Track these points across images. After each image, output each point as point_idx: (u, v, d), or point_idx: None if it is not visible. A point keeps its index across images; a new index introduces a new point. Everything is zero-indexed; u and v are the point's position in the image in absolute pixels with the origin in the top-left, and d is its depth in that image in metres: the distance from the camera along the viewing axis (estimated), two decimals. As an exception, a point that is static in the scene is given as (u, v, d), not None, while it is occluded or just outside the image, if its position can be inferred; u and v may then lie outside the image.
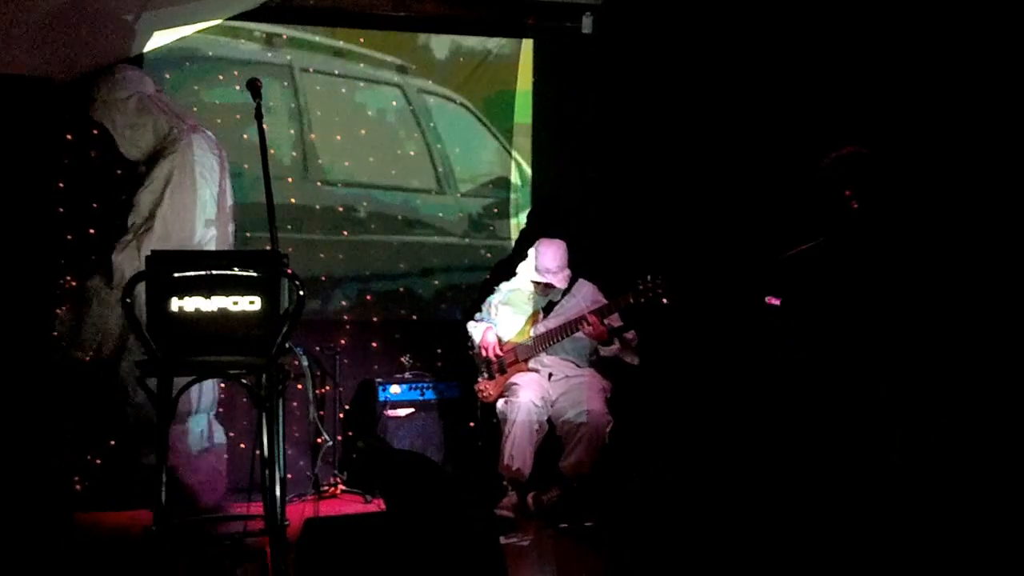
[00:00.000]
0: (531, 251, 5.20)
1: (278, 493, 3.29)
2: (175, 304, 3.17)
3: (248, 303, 3.19)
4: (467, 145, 6.07)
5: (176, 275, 3.19)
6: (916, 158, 4.00)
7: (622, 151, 5.78)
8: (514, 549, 4.44)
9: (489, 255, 6.03)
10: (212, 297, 3.18)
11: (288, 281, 3.27)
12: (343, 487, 5.28)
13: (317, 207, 5.73)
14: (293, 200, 5.66)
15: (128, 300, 3.18)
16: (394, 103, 5.95)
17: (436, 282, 5.94)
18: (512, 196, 6.14)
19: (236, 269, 3.21)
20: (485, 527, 3.34)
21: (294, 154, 5.75)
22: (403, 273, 5.91)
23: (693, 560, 4.17)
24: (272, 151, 5.51)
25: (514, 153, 6.13)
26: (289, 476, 4.66)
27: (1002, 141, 3.75)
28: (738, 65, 5.05)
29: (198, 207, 4.47)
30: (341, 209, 5.81)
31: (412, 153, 5.96)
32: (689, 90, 5.39)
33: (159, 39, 5.13)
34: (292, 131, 5.73)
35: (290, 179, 5.66)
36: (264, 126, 3.71)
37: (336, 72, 5.86)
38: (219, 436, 4.50)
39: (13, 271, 3.77)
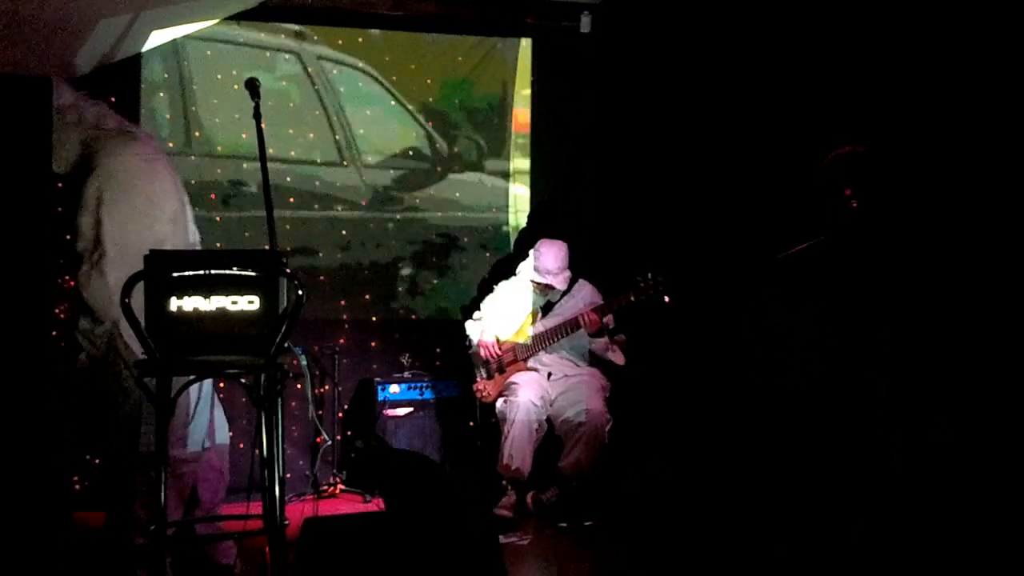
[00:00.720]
0: (532, 251, 5.20)
1: (277, 493, 3.27)
2: (174, 304, 3.17)
3: (247, 303, 3.18)
4: (373, 115, 5.91)
5: (175, 275, 3.19)
6: (915, 157, 4.00)
7: (621, 150, 5.78)
8: (513, 549, 4.44)
9: (391, 226, 5.91)
10: (211, 297, 3.17)
11: (287, 281, 3.26)
12: (342, 487, 5.29)
13: (193, 181, 5.41)
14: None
15: (127, 300, 3.17)
16: (290, 70, 5.75)
17: (435, 281, 5.94)
18: (423, 167, 6.00)
19: (235, 269, 3.21)
20: (484, 527, 3.34)
21: (192, 157, 5.56)
22: (404, 271, 5.90)
23: (692, 560, 4.17)
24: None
25: (426, 124, 5.99)
26: (288, 476, 4.66)
27: (1000, 140, 3.75)
28: (737, 64, 5.06)
29: (145, 211, 4.22)
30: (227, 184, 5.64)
31: (310, 123, 5.79)
32: (688, 89, 5.40)
33: (157, 38, 5.13)
34: (177, 102, 5.55)
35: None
36: (263, 125, 3.69)
37: (226, 39, 5.64)
38: (221, 436, 4.46)
39: (11, 270, 3.76)
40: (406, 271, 5.94)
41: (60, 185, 4.47)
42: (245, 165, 5.61)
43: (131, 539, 3.81)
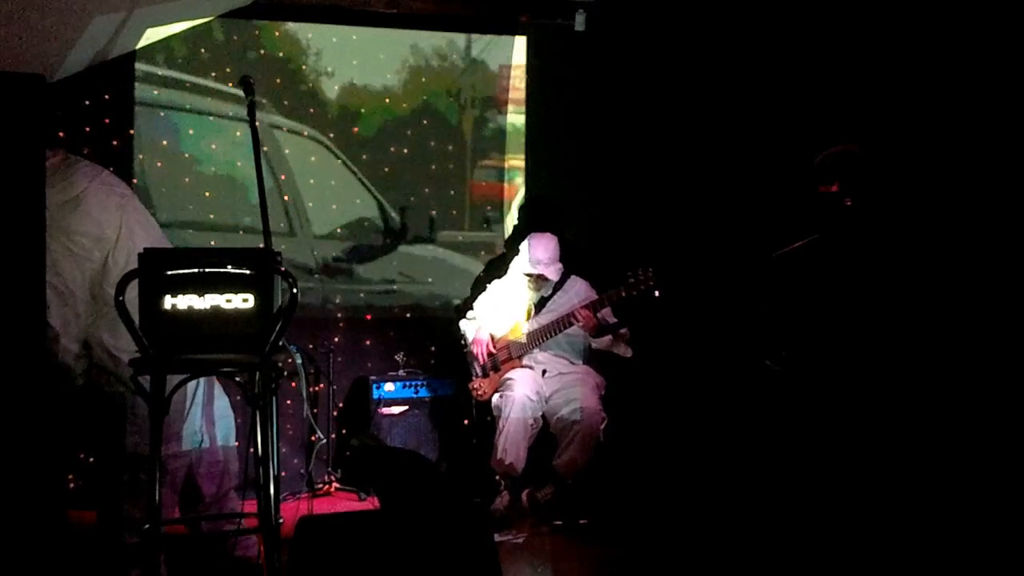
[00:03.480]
0: (522, 246, 5.20)
1: (272, 491, 3.28)
2: (168, 302, 3.17)
3: (241, 301, 3.18)
4: (322, 184, 5.79)
5: (169, 273, 3.18)
6: (908, 156, 4.01)
7: (615, 148, 5.78)
8: (508, 547, 4.44)
9: (339, 300, 5.79)
10: (205, 295, 3.17)
11: (282, 279, 3.26)
12: (337, 485, 5.28)
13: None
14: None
15: (120, 298, 3.17)
16: (240, 137, 5.49)
17: (430, 280, 5.94)
18: (374, 239, 5.90)
19: (230, 267, 3.20)
20: (479, 525, 3.34)
21: (186, 156, 5.51)
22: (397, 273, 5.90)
23: (687, 557, 4.18)
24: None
25: (376, 193, 5.87)
26: (283, 474, 4.65)
27: (993, 138, 3.76)
28: (731, 62, 5.07)
29: (72, 247, 4.07)
30: None
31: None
32: (682, 87, 5.40)
33: (151, 36, 5.11)
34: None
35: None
36: (257, 123, 3.68)
37: (181, 107, 5.54)
38: (225, 436, 4.44)
39: (3, 269, 3.74)
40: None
41: None
42: (191, 232, 5.48)
43: (122, 538, 3.81)
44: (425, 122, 5.96)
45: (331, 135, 5.82)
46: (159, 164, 5.49)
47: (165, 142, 5.49)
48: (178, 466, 4.10)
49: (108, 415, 4.17)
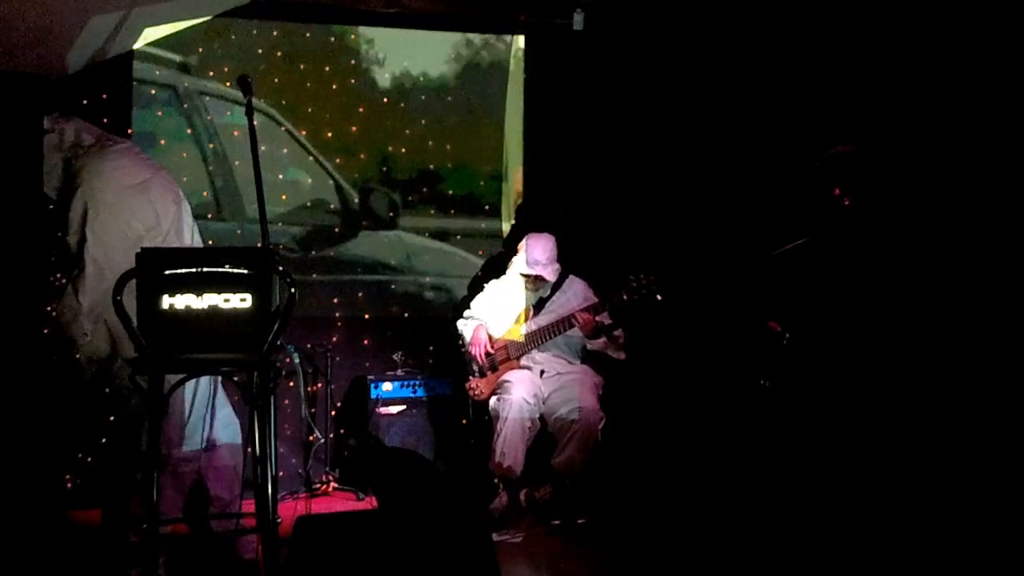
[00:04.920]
0: (520, 246, 5.20)
1: (270, 491, 3.28)
2: (166, 301, 3.17)
3: (239, 300, 3.18)
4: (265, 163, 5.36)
5: (167, 272, 3.18)
6: (907, 155, 4.01)
7: (613, 147, 5.78)
8: (506, 546, 4.44)
9: (408, 261, 5.60)
10: (203, 295, 3.17)
11: (280, 278, 3.26)
12: (335, 485, 5.28)
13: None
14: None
15: (118, 297, 3.17)
16: (165, 107, 5.10)
17: (427, 279, 5.93)
18: (328, 223, 5.62)
19: (227, 266, 3.20)
20: (477, 524, 3.33)
21: (184, 154, 5.29)
22: (394, 269, 5.89)
23: (685, 557, 4.18)
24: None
25: (334, 173, 5.53)
26: (281, 474, 4.63)
27: (993, 138, 3.76)
28: (730, 61, 5.06)
29: (126, 229, 4.19)
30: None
31: (184, 169, 5.12)
32: (681, 86, 5.40)
33: (149, 36, 5.11)
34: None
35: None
36: (255, 123, 3.69)
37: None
38: (229, 434, 4.45)
39: (2, 268, 3.75)
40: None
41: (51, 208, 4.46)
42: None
43: (126, 537, 3.81)
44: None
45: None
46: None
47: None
48: (188, 469, 4.11)
49: (118, 412, 4.19)
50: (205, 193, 5.30)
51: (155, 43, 5.02)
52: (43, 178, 4.18)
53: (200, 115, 5.18)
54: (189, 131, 5.12)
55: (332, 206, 5.70)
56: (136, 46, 5.16)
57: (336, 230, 5.76)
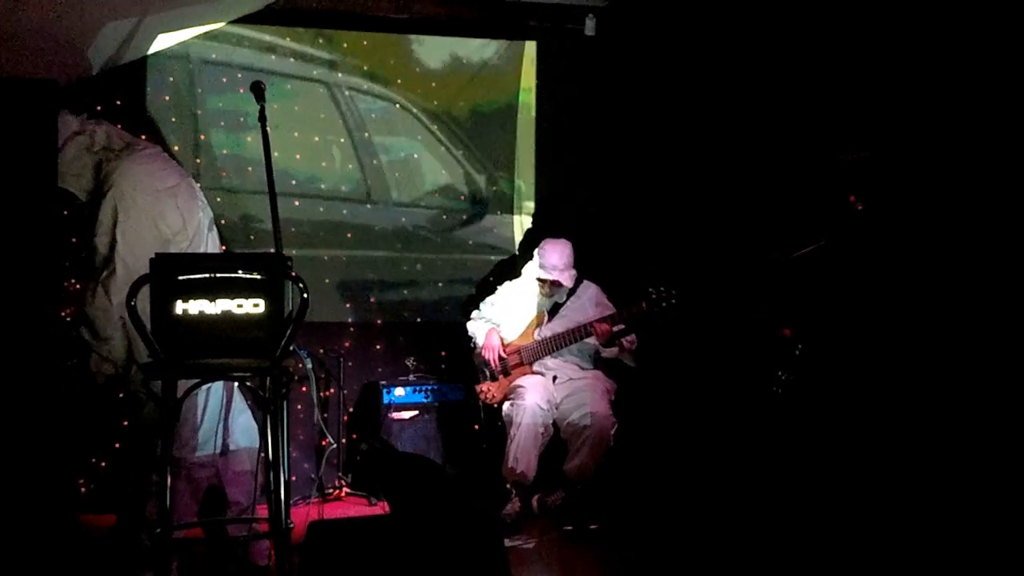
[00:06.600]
0: (536, 251, 5.19)
1: (282, 496, 3.28)
2: (179, 307, 3.18)
3: (252, 306, 3.20)
4: (405, 151, 5.82)
5: (180, 278, 3.20)
6: (920, 161, 3.99)
7: (625, 153, 5.78)
8: (518, 552, 4.44)
9: (419, 267, 5.82)
10: (216, 300, 3.19)
11: (292, 284, 3.27)
12: (347, 490, 5.29)
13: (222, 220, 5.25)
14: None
15: (133, 303, 3.18)
16: (319, 103, 5.60)
17: (440, 284, 5.93)
18: (464, 208, 5.95)
19: (240, 272, 3.22)
20: (489, 530, 3.33)
21: (198, 160, 5.49)
22: (406, 277, 5.91)
23: (698, 562, 4.16)
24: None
25: (465, 163, 5.89)
26: (293, 478, 4.65)
27: (1008, 144, 3.75)
28: (742, 67, 5.05)
29: (155, 232, 4.26)
30: (238, 220, 5.54)
31: (337, 157, 5.69)
32: (691, 92, 5.40)
33: (163, 42, 5.13)
34: (190, 132, 5.46)
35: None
36: (268, 129, 3.70)
37: (260, 67, 5.54)
38: (247, 439, 4.46)
39: (17, 273, 3.77)
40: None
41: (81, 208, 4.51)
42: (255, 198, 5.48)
43: (140, 540, 3.82)
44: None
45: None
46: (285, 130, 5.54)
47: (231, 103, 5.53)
48: (203, 475, 4.12)
49: (133, 417, 4.20)
50: (356, 179, 5.78)
51: (306, 43, 5.60)
52: (59, 183, 4.23)
53: (350, 107, 5.71)
54: (340, 122, 5.69)
55: (462, 194, 6.01)
56: (149, 52, 5.18)
57: (464, 216, 6.00)
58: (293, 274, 3.27)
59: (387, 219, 5.81)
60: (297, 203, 5.62)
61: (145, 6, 4.43)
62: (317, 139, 5.70)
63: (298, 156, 5.64)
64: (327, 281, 5.71)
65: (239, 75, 5.52)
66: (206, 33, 5.39)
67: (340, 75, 5.72)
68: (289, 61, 5.65)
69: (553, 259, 5.07)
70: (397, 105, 5.82)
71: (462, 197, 5.98)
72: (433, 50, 5.92)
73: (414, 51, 5.89)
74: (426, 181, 5.92)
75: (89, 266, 4.25)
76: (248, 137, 5.52)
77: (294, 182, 5.63)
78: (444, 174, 5.94)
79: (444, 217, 5.93)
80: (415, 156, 5.90)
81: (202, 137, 5.55)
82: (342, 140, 5.73)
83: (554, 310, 5.22)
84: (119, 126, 4.56)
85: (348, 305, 5.76)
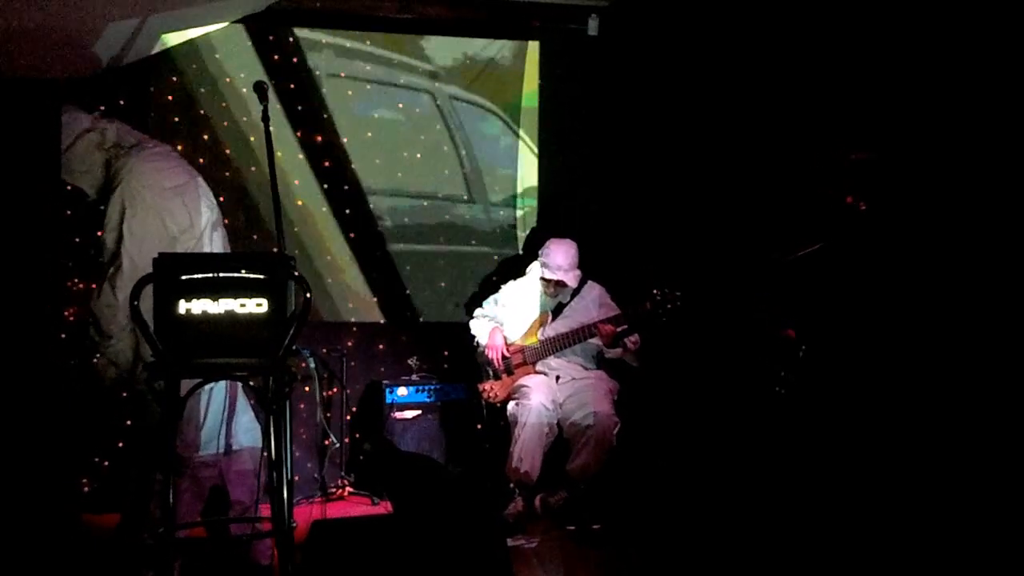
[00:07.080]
0: (540, 251, 5.20)
1: (285, 495, 3.29)
2: (182, 306, 3.18)
3: (255, 305, 3.20)
4: (498, 154, 5.98)
5: (183, 277, 3.20)
6: (922, 162, 3.99)
7: (628, 153, 5.78)
8: (520, 551, 4.44)
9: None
10: (219, 299, 3.19)
11: (295, 284, 3.27)
12: (350, 489, 5.29)
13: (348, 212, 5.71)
14: (300, 202, 5.68)
15: (136, 303, 3.19)
16: (419, 110, 5.84)
17: (443, 284, 5.94)
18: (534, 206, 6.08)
19: (243, 272, 3.22)
20: (491, 529, 3.34)
21: (299, 156, 5.67)
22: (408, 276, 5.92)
23: (700, 562, 4.16)
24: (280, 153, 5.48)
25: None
26: (296, 478, 4.66)
27: (1011, 145, 3.74)
28: (745, 67, 5.05)
29: (162, 229, 4.29)
30: (348, 212, 5.76)
31: (442, 160, 5.89)
32: (695, 92, 5.40)
33: (165, 42, 5.14)
34: (319, 136, 5.70)
35: (296, 181, 5.66)
36: (271, 128, 3.71)
37: (366, 77, 5.80)
38: (250, 439, 4.47)
39: (21, 273, 3.78)
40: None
41: (69, 187, 4.52)
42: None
43: (143, 540, 3.83)
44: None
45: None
46: (368, 134, 5.79)
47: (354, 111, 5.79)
48: (206, 474, 4.13)
49: (137, 417, 4.21)
50: (457, 179, 5.98)
51: (407, 54, 5.87)
52: (69, 179, 4.26)
53: (451, 113, 5.94)
54: (439, 126, 5.92)
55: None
56: (152, 52, 5.19)
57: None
58: (296, 274, 3.27)
59: (490, 218, 6.02)
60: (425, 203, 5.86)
61: (148, 6, 4.44)
62: (422, 138, 5.89)
63: (418, 155, 5.88)
64: (330, 281, 5.71)
65: (242, 75, 5.55)
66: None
67: (440, 84, 5.93)
68: (393, 73, 5.90)
69: (558, 259, 5.07)
70: (487, 110, 6.01)
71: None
72: (439, 49, 5.94)
73: (423, 47, 5.92)
74: (517, 181, 6.08)
75: (97, 263, 4.27)
76: (251, 137, 5.53)
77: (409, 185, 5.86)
78: (530, 176, 6.04)
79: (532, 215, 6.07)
80: (504, 158, 6.05)
81: (204, 137, 5.55)
82: (445, 143, 5.92)
83: (558, 310, 5.22)
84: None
85: (351, 304, 5.76)
